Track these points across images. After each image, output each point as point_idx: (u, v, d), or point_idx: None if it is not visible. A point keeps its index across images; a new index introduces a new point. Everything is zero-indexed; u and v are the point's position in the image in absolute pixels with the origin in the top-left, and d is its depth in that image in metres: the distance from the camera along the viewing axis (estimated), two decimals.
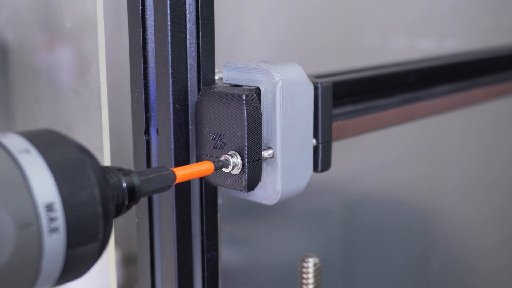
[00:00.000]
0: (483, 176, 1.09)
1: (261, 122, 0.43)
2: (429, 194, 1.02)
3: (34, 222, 0.28)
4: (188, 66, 0.45)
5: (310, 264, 0.55)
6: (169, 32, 0.43)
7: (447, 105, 0.68)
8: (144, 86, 0.46)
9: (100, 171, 0.32)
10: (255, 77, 0.44)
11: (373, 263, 0.94)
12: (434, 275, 1.02)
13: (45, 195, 0.29)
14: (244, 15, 0.87)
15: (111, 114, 0.48)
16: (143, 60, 0.45)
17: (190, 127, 0.45)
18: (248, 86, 0.44)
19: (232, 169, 0.42)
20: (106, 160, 0.48)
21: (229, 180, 0.43)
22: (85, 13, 0.48)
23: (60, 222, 0.29)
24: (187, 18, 0.44)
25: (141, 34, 0.45)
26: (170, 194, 0.46)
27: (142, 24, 0.45)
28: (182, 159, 0.45)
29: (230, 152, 0.42)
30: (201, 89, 0.45)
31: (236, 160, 0.42)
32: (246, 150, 0.42)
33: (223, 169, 0.42)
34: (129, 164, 0.47)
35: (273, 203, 0.45)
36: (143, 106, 0.46)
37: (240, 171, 0.42)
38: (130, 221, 0.49)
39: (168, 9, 0.43)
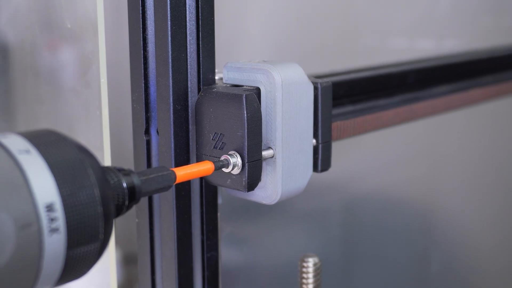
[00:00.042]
0: (483, 176, 1.09)
1: (261, 122, 0.43)
2: (429, 194, 1.02)
3: (35, 222, 0.28)
4: (188, 66, 0.45)
5: (310, 263, 0.55)
6: (169, 32, 0.43)
7: (446, 105, 0.68)
8: (144, 86, 0.46)
9: (100, 171, 0.32)
10: (255, 77, 0.44)
11: (373, 263, 0.94)
12: (433, 274, 1.02)
13: (46, 196, 0.29)
14: (244, 16, 0.87)
15: (111, 114, 0.48)
16: (144, 60, 0.45)
17: (190, 127, 0.45)
18: (248, 86, 0.44)
19: (232, 169, 0.42)
20: (106, 160, 0.49)
21: (229, 180, 0.44)
22: (86, 14, 0.48)
23: (61, 222, 0.29)
24: (187, 19, 0.44)
25: (142, 34, 0.45)
26: (170, 194, 0.46)
27: (142, 24, 0.45)
28: (182, 159, 0.45)
29: (230, 152, 0.43)
30: (201, 89, 0.45)
31: (236, 160, 0.42)
32: (246, 150, 0.42)
33: (223, 169, 0.42)
34: (129, 164, 0.47)
35: (273, 203, 0.45)
36: (144, 106, 0.46)
37: (240, 171, 0.42)
38: (130, 220, 0.49)
39: (168, 9, 0.43)
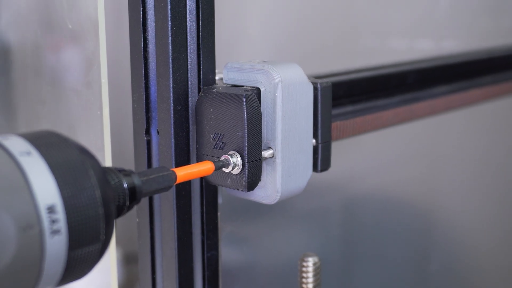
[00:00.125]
0: (483, 176, 1.09)
1: (261, 122, 0.43)
2: (428, 194, 1.02)
3: (36, 224, 0.28)
4: (189, 67, 0.45)
5: (310, 263, 0.55)
6: (169, 33, 0.44)
7: (446, 105, 0.68)
8: (145, 86, 0.46)
9: (101, 172, 0.32)
10: (255, 78, 0.44)
11: (373, 263, 0.95)
12: (433, 274, 1.02)
13: (47, 197, 0.29)
14: (244, 16, 0.87)
15: (112, 114, 0.48)
16: (144, 61, 0.45)
17: (190, 127, 0.46)
18: (248, 86, 0.45)
19: (232, 169, 0.43)
20: (107, 160, 0.49)
21: (229, 180, 0.44)
22: (87, 14, 0.48)
23: (62, 224, 0.29)
24: (188, 19, 0.45)
25: (142, 35, 0.45)
26: (171, 193, 0.46)
27: (143, 25, 0.45)
28: (183, 159, 0.46)
29: (230, 152, 0.43)
30: (202, 90, 0.45)
31: (236, 160, 0.42)
32: (246, 150, 0.42)
33: (223, 169, 0.43)
34: (129, 164, 0.47)
35: (273, 202, 0.45)
36: (144, 106, 0.46)
37: (240, 171, 0.43)
38: (131, 220, 0.49)
39: (169, 10, 0.43)
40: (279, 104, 0.43)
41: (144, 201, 0.47)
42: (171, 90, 0.44)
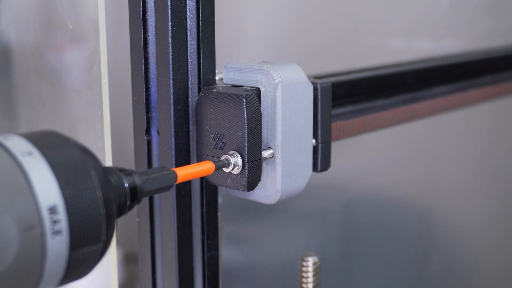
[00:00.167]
0: (482, 176, 1.09)
1: (261, 122, 0.43)
2: (428, 194, 1.02)
3: (37, 225, 0.29)
4: (189, 67, 0.45)
5: (310, 263, 0.55)
6: (170, 33, 0.44)
7: (446, 105, 0.69)
8: (145, 86, 0.46)
9: (102, 172, 0.32)
10: (255, 78, 0.44)
11: (373, 263, 0.95)
12: (433, 274, 1.02)
13: (48, 198, 0.29)
14: (244, 16, 0.87)
15: (112, 114, 0.48)
16: (144, 61, 0.45)
17: (190, 127, 0.46)
18: (248, 86, 0.45)
19: (233, 169, 0.43)
20: (107, 160, 0.49)
21: (229, 179, 0.44)
22: (87, 14, 0.48)
23: (63, 224, 0.29)
24: (188, 19, 0.45)
25: (142, 35, 0.45)
26: (171, 193, 0.46)
27: (143, 25, 0.45)
28: (183, 159, 0.46)
29: (230, 152, 0.43)
30: (202, 90, 0.45)
31: (236, 160, 0.42)
32: (246, 150, 0.42)
33: (224, 169, 0.43)
34: (130, 164, 0.47)
35: (273, 202, 0.45)
36: (144, 106, 0.46)
37: (241, 171, 0.43)
38: (131, 220, 0.49)
39: (169, 10, 0.43)
40: (279, 104, 0.44)
41: (145, 201, 0.47)
42: (171, 90, 0.44)
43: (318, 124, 0.48)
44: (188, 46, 0.45)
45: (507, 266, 1.14)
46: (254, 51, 0.86)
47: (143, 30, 0.45)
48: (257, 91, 0.44)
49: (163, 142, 0.45)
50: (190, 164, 0.46)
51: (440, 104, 0.68)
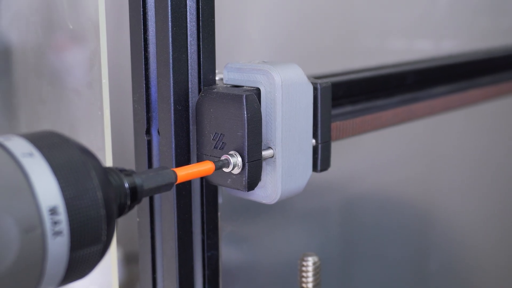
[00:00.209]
0: (482, 176, 1.09)
1: (261, 122, 0.43)
2: (427, 194, 1.02)
3: (38, 226, 0.29)
4: (189, 67, 0.45)
5: (310, 262, 0.55)
6: (170, 34, 0.44)
7: (445, 105, 0.69)
8: (145, 86, 0.46)
9: (103, 173, 0.32)
10: (255, 78, 0.44)
11: (372, 262, 0.95)
12: (432, 274, 1.03)
13: (49, 199, 0.29)
14: (244, 16, 0.87)
15: (113, 115, 0.49)
16: (145, 61, 0.46)
17: (191, 127, 0.46)
18: (248, 86, 0.45)
19: (233, 169, 0.43)
20: (108, 160, 0.49)
21: (229, 179, 0.44)
22: (88, 15, 0.48)
23: (64, 225, 0.29)
24: (188, 20, 0.45)
25: (143, 35, 0.45)
26: (171, 193, 0.46)
27: (143, 26, 0.45)
28: (183, 159, 0.46)
29: (230, 152, 0.43)
30: (202, 90, 0.45)
31: (236, 160, 0.43)
32: (246, 150, 0.42)
33: (224, 169, 0.43)
34: (130, 164, 0.47)
35: (273, 202, 0.45)
36: (145, 106, 0.46)
37: (241, 171, 0.43)
38: (131, 220, 0.49)
39: (169, 10, 0.44)
40: (279, 104, 0.44)
41: (145, 201, 0.48)
42: (172, 90, 0.44)
43: (318, 124, 0.48)
44: (188, 46, 0.45)
45: (506, 266, 1.14)
46: (254, 51, 0.87)
47: (144, 30, 0.45)
48: (257, 91, 0.44)
49: (163, 142, 0.46)
50: (190, 164, 0.46)
51: (440, 104, 0.68)
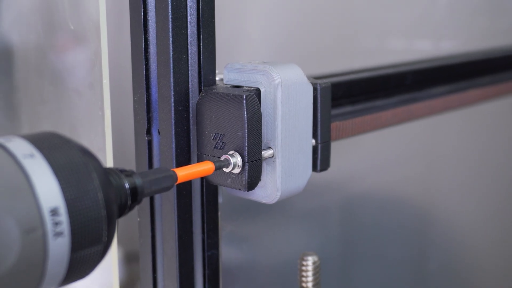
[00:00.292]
0: (481, 176, 1.09)
1: (261, 122, 0.43)
2: (427, 194, 1.02)
3: (39, 227, 0.29)
4: (189, 67, 0.45)
5: (310, 262, 0.55)
6: (170, 34, 0.44)
7: (444, 105, 0.69)
8: (146, 87, 0.46)
9: (103, 174, 0.32)
10: (255, 78, 0.44)
11: (372, 262, 0.95)
12: (432, 273, 1.03)
13: (50, 200, 0.29)
14: (244, 17, 0.87)
15: (113, 115, 0.49)
16: (145, 62, 0.46)
17: (191, 127, 0.46)
18: (248, 87, 0.45)
19: (233, 168, 0.43)
20: (108, 160, 0.49)
21: (229, 179, 0.44)
22: (89, 15, 0.48)
23: (65, 226, 0.29)
24: (188, 20, 0.45)
25: (143, 36, 0.45)
26: (172, 193, 0.46)
27: (144, 26, 0.45)
28: (184, 159, 0.46)
29: (230, 152, 0.43)
30: (202, 90, 0.46)
31: (236, 159, 0.43)
32: (246, 150, 0.42)
33: (224, 169, 0.43)
34: (131, 164, 0.47)
35: (273, 202, 0.45)
36: (145, 106, 0.46)
37: (241, 171, 0.43)
38: (132, 220, 0.49)
39: (170, 11, 0.44)
40: (279, 104, 0.44)
41: (145, 201, 0.48)
42: (172, 91, 0.44)
43: (317, 124, 0.48)
44: (189, 46, 0.45)
45: (506, 266, 1.14)
46: (254, 52, 0.87)
47: (144, 31, 0.45)
48: (257, 91, 0.44)
49: (164, 142, 0.46)
50: (190, 164, 0.46)
51: (439, 104, 0.68)
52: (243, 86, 0.45)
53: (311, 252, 0.56)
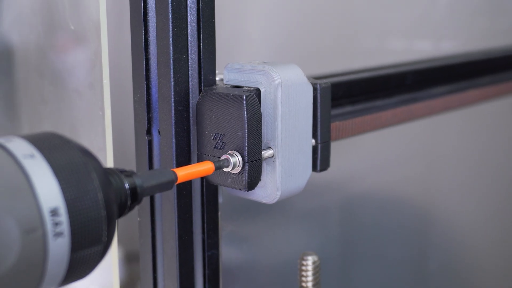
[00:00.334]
0: (481, 176, 1.09)
1: (261, 122, 0.43)
2: (427, 194, 1.03)
3: (39, 227, 0.29)
4: (190, 68, 0.45)
5: (309, 262, 0.55)
6: (170, 34, 0.44)
7: (444, 105, 0.69)
8: (146, 87, 0.46)
9: (103, 174, 0.32)
10: (255, 78, 0.45)
11: (372, 262, 0.95)
12: (432, 273, 1.03)
13: (50, 200, 0.29)
14: (244, 17, 0.87)
15: (114, 115, 0.49)
16: (145, 62, 0.46)
17: (191, 127, 0.46)
18: (248, 87, 0.45)
19: (233, 168, 0.43)
20: (108, 160, 0.49)
21: (229, 179, 0.44)
22: (89, 15, 0.48)
23: (65, 226, 0.29)
24: (189, 20, 0.45)
25: (143, 36, 0.45)
26: (172, 193, 0.46)
27: (144, 26, 0.45)
28: (184, 159, 0.46)
29: (230, 152, 0.43)
30: (202, 90, 0.46)
31: (236, 159, 0.43)
32: (246, 150, 0.43)
33: (224, 169, 0.43)
34: (131, 164, 0.47)
35: (273, 202, 0.46)
36: (145, 106, 0.46)
37: (241, 171, 0.43)
38: (132, 220, 0.49)
39: (170, 11, 0.44)
40: (279, 104, 0.44)
41: (146, 201, 0.48)
42: (172, 91, 0.45)
43: (317, 124, 0.48)
44: (189, 47, 0.45)
45: (506, 266, 1.14)
46: (254, 52, 0.87)
47: (144, 31, 0.45)
48: (257, 91, 0.44)
49: (164, 142, 0.46)
50: (191, 164, 0.46)
51: (439, 104, 0.68)
52: (243, 86, 0.45)
53: (311, 252, 0.56)
